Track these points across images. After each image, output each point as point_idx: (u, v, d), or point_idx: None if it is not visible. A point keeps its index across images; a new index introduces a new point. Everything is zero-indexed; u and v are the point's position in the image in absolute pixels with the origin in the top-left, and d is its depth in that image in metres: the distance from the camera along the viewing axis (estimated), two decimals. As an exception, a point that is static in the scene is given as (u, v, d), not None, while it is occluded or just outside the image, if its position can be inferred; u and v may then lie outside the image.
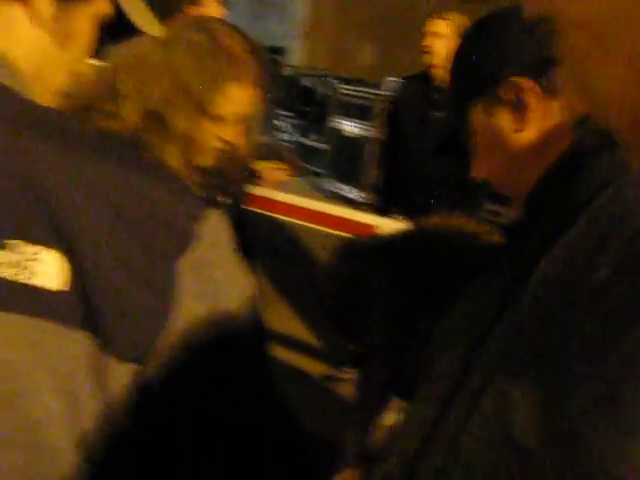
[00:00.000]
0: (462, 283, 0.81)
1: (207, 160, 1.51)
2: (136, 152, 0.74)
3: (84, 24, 0.74)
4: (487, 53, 0.91)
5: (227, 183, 1.62)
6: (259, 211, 2.54)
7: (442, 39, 3.27)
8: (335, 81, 7.98)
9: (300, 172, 2.79)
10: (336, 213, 3.14)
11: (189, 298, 0.66)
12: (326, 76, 8.80)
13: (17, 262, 0.60)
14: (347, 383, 3.10)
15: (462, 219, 1.16)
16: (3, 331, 0.61)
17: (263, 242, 3.28)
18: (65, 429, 0.63)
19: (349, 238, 1.09)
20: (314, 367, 3.50)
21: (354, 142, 6.74)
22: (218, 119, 1.44)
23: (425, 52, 3.33)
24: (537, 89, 0.86)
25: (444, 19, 3.28)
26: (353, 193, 6.67)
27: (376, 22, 10.06)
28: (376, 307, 1.24)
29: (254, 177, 2.59)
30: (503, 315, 0.59)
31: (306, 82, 8.78)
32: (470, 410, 0.54)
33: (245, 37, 1.47)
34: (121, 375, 0.64)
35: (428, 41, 3.29)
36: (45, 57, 0.72)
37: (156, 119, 1.34)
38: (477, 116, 0.94)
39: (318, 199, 3.46)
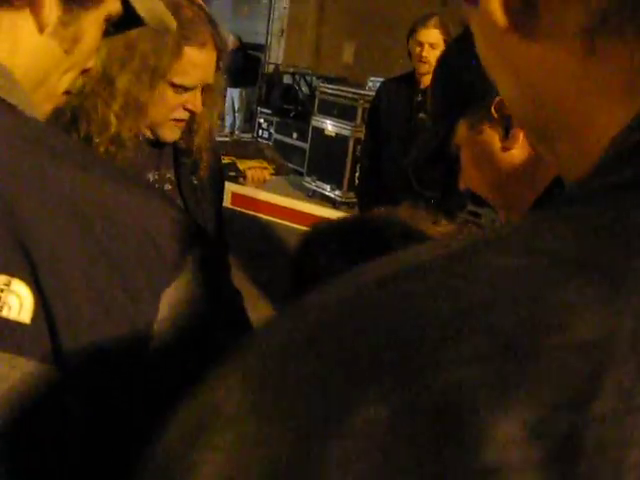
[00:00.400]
0: None
1: (171, 132, 1.51)
2: (121, 169, 0.71)
3: (93, 27, 0.71)
4: (475, 68, 0.91)
5: (196, 164, 1.61)
6: (242, 210, 2.53)
7: (437, 49, 3.32)
8: (317, 79, 7.99)
9: (283, 171, 2.79)
10: (318, 213, 3.14)
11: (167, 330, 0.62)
12: (307, 74, 8.80)
13: None
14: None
15: (410, 210, 1.15)
16: None
17: (245, 241, 3.27)
18: None
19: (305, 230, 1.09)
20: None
21: (336, 141, 6.74)
22: (178, 85, 1.44)
23: (421, 62, 3.36)
24: None
25: (437, 28, 3.32)
26: (334, 192, 6.68)
27: (356, 21, 10.07)
28: None
29: (237, 175, 2.58)
30: None
31: (287, 80, 8.78)
32: None
33: (201, 6, 1.47)
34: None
35: (425, 52, 3.33)
36: (51, 63, 0.70)
37: (106, 81, 1.33)
38: (463, 131, 0.93)
39: (299, 198, 3.46)
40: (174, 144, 1.58)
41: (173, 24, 0.82)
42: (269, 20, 10.09)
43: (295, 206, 2.85)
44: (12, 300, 0.58)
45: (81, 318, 0.59)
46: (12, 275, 0.58)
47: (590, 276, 0.23)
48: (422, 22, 3.36)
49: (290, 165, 7.27)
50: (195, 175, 1.64)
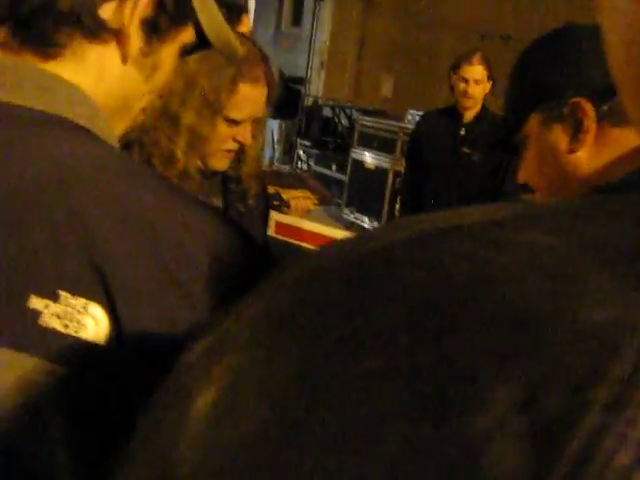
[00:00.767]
0: None
1: (221, 162, 1.54)
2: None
3: (170, 56, 0.76)
4: (557, 67, 0.92)
5: (244, 192, 1.65)
6: (286, 239, 2.56)
7: (480, 85, 3.36)
8: (356, 112, 8.04)
9: (327, 200, 2.81)
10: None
11: None
12: (347, 107, 8.87)
13: (66, 314, 0.59)
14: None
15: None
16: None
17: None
18: None
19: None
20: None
21: (375, 174, 6.76)
22: (231, 119, 1.48)
23: (466, 97, 3.40)
24: (597, 114, 0.87)
25: (481, 64, 3.36)
26: (373, 224, 6.68)
27: (395, 55, 10.16)
28: None
29: (281, 205, 2.61)
30: None
31: (326, 112, 8.85)
32: None
33: (254, 43, 1.52)
34: None
35: (470, 88, 3.37)
36: (131, 89, 0.74)
37: (168, 117, 1.37)
38: (534, 125, 0.94)
39: (338, 230, 3.47)
40: (223, 172, 1.62)
41: (240, 50, 0.85)
42: (309, 54, 10.22)
43: (338, 235, 2.86)
44: (89, 322, 0.60)
45: (150, 343, 0.60)
46: (89, 298, 0.60)
47: (622, 266, 0.23)
48: (466, 59, 3.40)
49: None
50: (242, 203, 1.67)
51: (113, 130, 0.74)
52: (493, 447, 0.20)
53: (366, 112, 7.90)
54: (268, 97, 1.55)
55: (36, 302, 0.59)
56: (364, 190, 6.82)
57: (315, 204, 2.71)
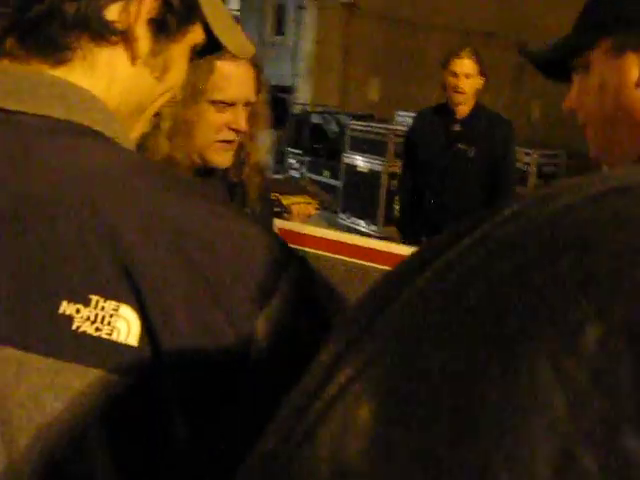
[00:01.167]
0: None
1: (219, 156, 1.51)
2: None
3: (181, 56, 0.75)
4: None
5: (247, 195, 1.63)
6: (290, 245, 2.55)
7: (470, 79, 3.35)
8: (345, 117, 8.05)
9: (327, 204, 2.81)
10: (362, 244, 3.13)
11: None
12: (336, 113, 8.88)
13: (97, 317, 0.59)
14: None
15: None
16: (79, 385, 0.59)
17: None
18: None
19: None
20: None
21: (368, 177, 6.77)
22: (218, 101, 1.46)
23: (457, 92, 3.39)
24: None
25: (470, 58, 3.35)
26: (370, 228, 6.68)
27: (380, 58, 10.19)
28: None
29: (282, 211, 2.61)
30: None
31: (315, 119, 8.85)
32: None
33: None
34: None
35: (461, 82, 3.35)
36: (143, 91, 0.74)
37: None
38: (601, 49, 0.85)
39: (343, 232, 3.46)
40: (226, 176, 1.60)
41: (253, 50, 0.84)
42: (295, 62, 10.24)
43: (339, 238, 2.86)
44: (121, 324, 0.59)
45: (183, 341, 0.60)
46: (120, 301, 0.59)
47: None
48: (455, 53, 3.39)
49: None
50: (249, 208, 1.66)
51: (128, 134, 0.73)
52: None
53: (354, 117, 7.92)
54: (257, 79, 1.52)
55: (67, 307, 0.59)
56: (358, 194, 6.83)
57: (317, 209, 2.70)
